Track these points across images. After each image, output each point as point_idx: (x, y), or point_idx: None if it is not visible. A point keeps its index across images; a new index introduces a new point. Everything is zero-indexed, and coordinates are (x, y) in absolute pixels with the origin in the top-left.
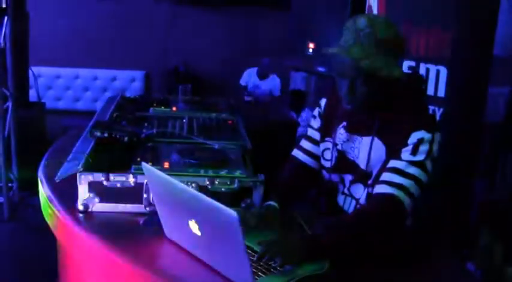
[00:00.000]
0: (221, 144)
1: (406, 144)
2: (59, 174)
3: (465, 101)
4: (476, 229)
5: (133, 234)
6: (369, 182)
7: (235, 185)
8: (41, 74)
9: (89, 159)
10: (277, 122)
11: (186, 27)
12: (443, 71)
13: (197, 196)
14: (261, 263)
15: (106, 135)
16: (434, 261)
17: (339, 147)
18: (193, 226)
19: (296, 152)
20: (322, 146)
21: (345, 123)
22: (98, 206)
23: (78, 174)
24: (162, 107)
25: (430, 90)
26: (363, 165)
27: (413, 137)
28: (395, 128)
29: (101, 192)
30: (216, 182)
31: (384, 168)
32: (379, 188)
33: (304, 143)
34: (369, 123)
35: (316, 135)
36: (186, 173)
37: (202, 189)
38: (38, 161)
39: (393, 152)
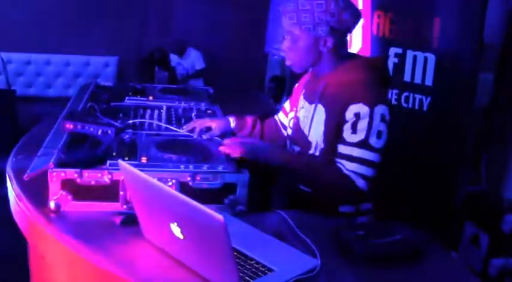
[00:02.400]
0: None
1: (344, 120)
2: (28, 171)
3: (454, 87)
4: (461, 218)
5: (110, 235)
6: (310, 151)
7: (218, 181)
8: (10, 60)
9: (60, 155)
10: (257, 110)
11: (161, 13)
12: (432, 58)
13: (179, 198)
14: (248, 266)
15: (79, 127)
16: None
17: (298, 114)
18: (175, 229)
19: (276, 119)
20: (290, 115)
21: (304, 91)
22: (71, 205)
23: (49, 171)
24: (138, 96)
25: (418, 79)
26: (306, 132)
27: (350, 112)
28: (337, 98)
29: (74, 189)
30: (198, 178)
31: (327, 146)
32: (338, 166)
33: (280, 113)
34: (317, 90)
35: (288, 106)
36: (166, 168)
37: (183, 185)
38: (10, 149)
39: (332, 127)
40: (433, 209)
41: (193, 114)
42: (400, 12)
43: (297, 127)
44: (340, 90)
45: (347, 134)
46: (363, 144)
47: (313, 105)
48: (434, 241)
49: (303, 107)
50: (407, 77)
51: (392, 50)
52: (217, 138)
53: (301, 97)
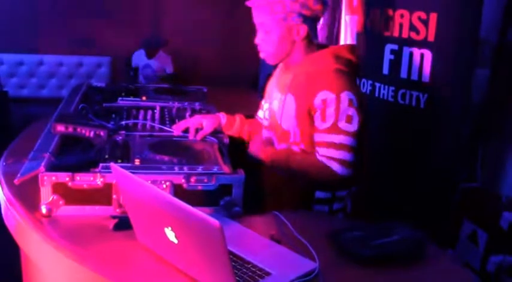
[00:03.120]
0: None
1: (314, 107)
2: (18, 175)
3: (451, 84)
4: (458, 215)
5: (103, 240)
6: (291, 140)
7: (213, 183)
8: (2, 60)
9: (51, 158)
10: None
11: (153, 13)
12: (428, 54)
13: (174, 202)
14: (244, 270)
15: (70, 130)
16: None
17: (272, 105)
18: (170, 233)
19: (257, 116)
20: (265, 106)
21: (276, 82)
22: (63, 209)
23: (39, 175)
24: (131, 97)
25: (414, 75)
26: (280, 122)
27: (318, 99)
28: (304, 86)
29: (65, 193)
30: (192, 180)
31: (304, 132)
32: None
33: (259, 111)
34: (287, 81)
35: (263, 102)
36: (159, 170)
37: (177, 187)
38: (2, 152)
39: (302, 114)
40: (430, 207)
41: (187, 114)
42: (395, 8)
43: (271, 117)
44: (307, 79)
45: (318, 122)
46: (332, 129)
47: (284, 96)
48: (432, 240)
49: (275, 98)
50: (403, 74)
51: (388, 47)
52: (211, 138)
53: (275, 89)
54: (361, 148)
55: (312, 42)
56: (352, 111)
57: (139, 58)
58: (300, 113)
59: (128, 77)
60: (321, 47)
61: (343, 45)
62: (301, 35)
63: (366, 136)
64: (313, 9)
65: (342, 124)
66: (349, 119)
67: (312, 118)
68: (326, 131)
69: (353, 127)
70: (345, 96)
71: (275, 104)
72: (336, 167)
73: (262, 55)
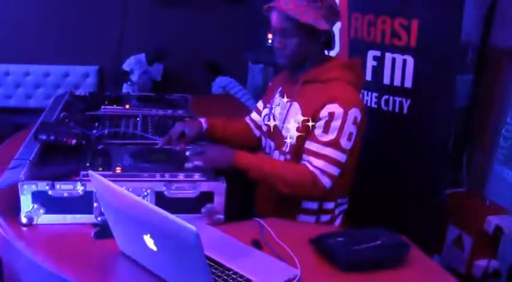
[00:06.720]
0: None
1: (318, 117)
2: None
3: (434, 89)
4: (444, 220)
5: (84, 248)
6: (284, 148)
7: (195, 190)
8: None
9: (31, 166)
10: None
11: (140, 21)
12: (410, 60)
13: (151, 209)
14: (225, 277)
15: (52, 138)
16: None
17: (273, 111)
18: (148, 241)
19: (248, 120)
20: (264, 112)
21: (280, 88)
22: (43, 218)
23: (19, 184)
24: (114, 105)
25: (397, 81)
26: (281, 129)
27: (325, 110)
28: (314, 96)
29: (46, 202)
30: (174, 187)
31: (299, 143)
32: (303, 164)
33: (253, 113)
34: (294, 88)
35: (261, 105)
36: (141, 178)
37: (158, 195)
38: None
39: (306, 125)
40: (415, 212)
41: (170, 122)
42: (377, 14)
43: (273, 124)
44: (318, 88)
45: (318, 132)
46: (333, 143)
47: (289, 102)
48: (416, 245)
49: (278, 105)
50: (386, 80)
51: (371, 53)
52: (193, 146)
53: (277, 95)
54: (353, 162)
55: (323, 51)
56: (354, 129)
57: (137, 63)
58: (303, 123)
59: (118, 80)
60: (329, 56)
61: (354, 59)
62: (321, 41)
63: (359, 149)
64: (334, 15)
65: (343, 141)
66: (350, 137)
67: (309, 128)
68: (326, 143)
69: (350, 144)
70: (353, 113)
71: (277, 110)
72: (325, 180)
73: (280, 60)
